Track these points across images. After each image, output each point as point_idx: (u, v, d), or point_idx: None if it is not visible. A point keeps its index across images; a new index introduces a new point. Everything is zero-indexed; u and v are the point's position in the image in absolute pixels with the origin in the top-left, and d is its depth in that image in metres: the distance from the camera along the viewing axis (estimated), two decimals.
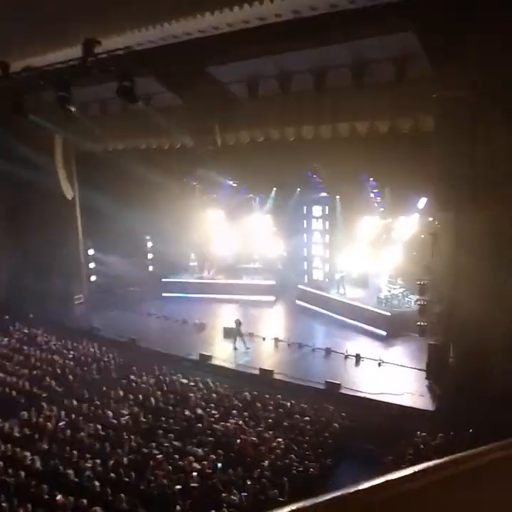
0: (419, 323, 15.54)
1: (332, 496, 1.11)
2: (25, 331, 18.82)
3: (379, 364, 15.50)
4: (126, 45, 12.18)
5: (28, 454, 10.22)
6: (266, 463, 10.09)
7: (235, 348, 16.85)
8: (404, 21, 11.41)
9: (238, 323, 17.05)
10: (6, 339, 17.92)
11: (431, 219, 15.90)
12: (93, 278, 23.47)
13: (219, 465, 10.07)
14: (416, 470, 1.22)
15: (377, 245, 20.36)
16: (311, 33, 12.14)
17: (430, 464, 1.24)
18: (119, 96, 12.46)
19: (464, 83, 12.47)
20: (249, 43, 13.52)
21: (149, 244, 24.77)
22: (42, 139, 19.84)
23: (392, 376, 14.72)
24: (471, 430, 10.82)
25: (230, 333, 17.51)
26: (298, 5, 10.18)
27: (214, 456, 10.30)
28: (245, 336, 17.13)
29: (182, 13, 10.52)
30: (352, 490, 1.13)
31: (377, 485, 1.15)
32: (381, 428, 12.37)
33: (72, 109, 13.59)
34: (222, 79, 15.56)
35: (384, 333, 17.86)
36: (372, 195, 20.10)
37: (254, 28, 11.12)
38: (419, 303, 15.64)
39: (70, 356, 16.33)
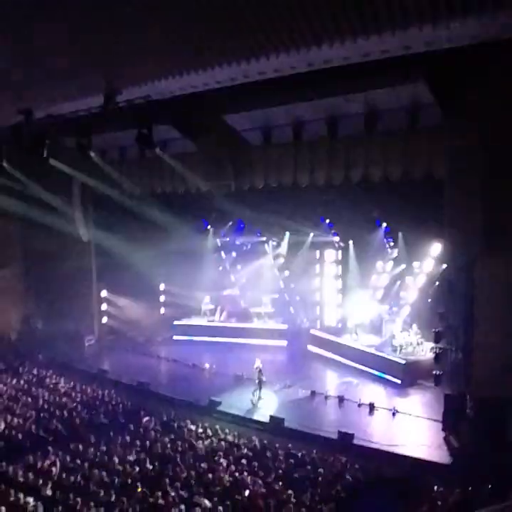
0: (434, 371, 15.16)
1: None
2: (34, 372, 18.70)
3: (393, 414, 15.05)
4: (145, 95, 12.63)
5: (31, 500, 9.94)
6: None
7: (254, 396, 16.17)
8: (417, 73, 11.73)
9: (259, 371, 16.36)
10: (15, 380, 17.79)
11: (445, 265, 15.77)
12: (104, 320, 23.47)
13: None
14: None
15: (391, 291, 20.20)
16: (324, 84, 12.51)
17: None
18: (138, 143, 12.82)
19: (475, 134, 12.69)
20: (264, 92, 13.98)
21: (162, 286, 24.83)
22: (61, 183, 20.36)
23: (407, 426, 14.27)
24: (490, 485, 10.33)
25: (240, 380, 17.22)
26: (313, 58, 10.51)
27: (221, 508, 9.92)
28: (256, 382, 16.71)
29: (201, 65, 10.91)
30: None
31: None
32: (395, 482, 11.88)
33: (92, 154, 14.00)
34: (237, 126, 15.98)
35: (398, 381, 17.43)
36: (385, 240, 20.13)
37: (269, 79, 11.48)
38: (434, 351, 15.30)
39: (78, 399, 16.11)
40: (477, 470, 11.29)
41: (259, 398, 16.20)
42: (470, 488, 10.52)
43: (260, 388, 16.20)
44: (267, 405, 15.84)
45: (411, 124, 13.58)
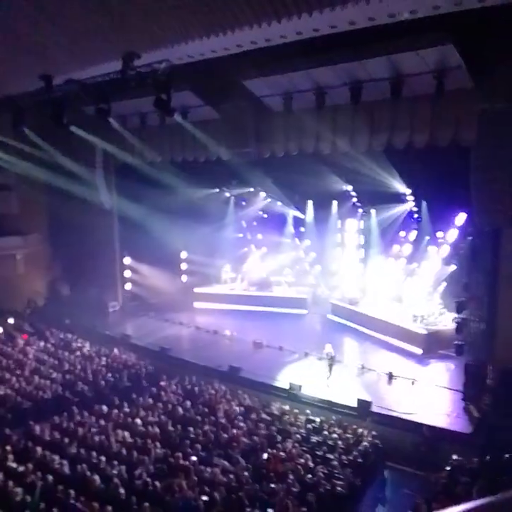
0: (456, 341, 15.06)
1: None
2: (61, 336, 19.24)
3: (412, 383, 15.06)
4: (164, 59, 12.44)
5: (57, 457, 10.35)
6: (293, 479, 9.89)
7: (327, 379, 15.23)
8: (444, 35, 11.24)
9: (330, 357, 15.47)
10: (42, 343, 18.36)
11: (469, 235, 15.45)
12: (128, 286, 23.85)
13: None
14: None
15: (414, 261, 19.96)
16: (347, 47, 12.12)
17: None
18: (156, 108, 12.70)
19: (505, 98, 12.19)
20: (285, 57, 13.61)
21: (183, 254, 25.01)
22: (83, 151, 20.45)
23: (426, 396, 14.26)
24: (508, 455, 10.34)
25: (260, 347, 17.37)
26: (336, 20, 10.14)
27: (240, 470, 10.18)
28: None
29: (221, 28, 10.65)
30: None
31: None
32: (413, 449, 11.99)
33: (112, 121, 13.90)
34: (257, 92, 15.66)
35: (420, 351, 17.39)
36: (408, 209, 19.76)
37: (291, 42, 11.15)
38: (456, 321, 15.16)
39: (103, 363, 16.57)
40: (496, 440, 11.29)
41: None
42: (488, 458, 10.55)
43: (330, 373, 15.36)
44: (286, 372, 16.01)
45: (438, 89, 13.05)
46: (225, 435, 11.63)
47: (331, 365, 15.42)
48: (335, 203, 22.00)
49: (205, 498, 9.17)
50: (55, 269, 23.97)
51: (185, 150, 18.89)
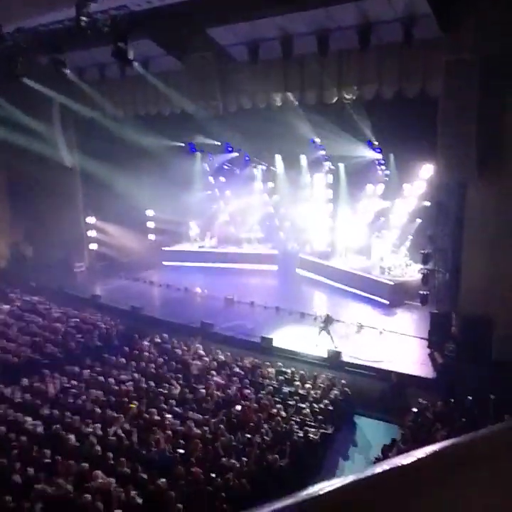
0: (421, 292, 15.47)
1: (319, 490, 0.92)
2: (27, 298, 18.84)
3: (380, 333, 15.50)
4: (121, 5, 11.77)
5: (29, 419, 10.31)
6: (266, 429, 10.17)
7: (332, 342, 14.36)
8: None
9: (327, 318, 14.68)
10: (7, 306, 17.95)
11: (436, 187, 15.62)
12: (93, 246, 23.37)
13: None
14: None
15: (381, 214, 20.15)
16: None
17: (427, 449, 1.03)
18: (115, 58, 12.10)
19: (472, 48, 12.07)
20: (250, 3, 13.06)
21: (150, 212, 24.55)
22: (40, 106, 19.45)
23: (393, 345, 14.72)
24: (470, 397, 10.86)
25: (231, 303, 17.47)
26: None
27: (215, 421, 10.39)
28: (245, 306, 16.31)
29: None
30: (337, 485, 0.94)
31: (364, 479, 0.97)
32: (381, 396, 12.44)
33: (67, 72, 13.18)
34: (221, 41, 15.06)
35: (386, 302, 17.83)
36: (376, 162, 19.76)
37: None
38: (422, 272, 15.54)
39: (72, 324, 16.36)
40: (460, 384, 11.82)
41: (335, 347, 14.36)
42: (452, 401, 11.06)
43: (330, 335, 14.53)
44: (258, 326, 16.19)
45: (406, 37, 12.82)
46: (199, 390, 11.78)
47: (326, 329, 14.54)
48: (303, 157, 21.79)
49: (181, 450, 9.35)
50: (16, 230, 23.21)
51: (148, 103, 18.22)
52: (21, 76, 13.46)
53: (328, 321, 14.62)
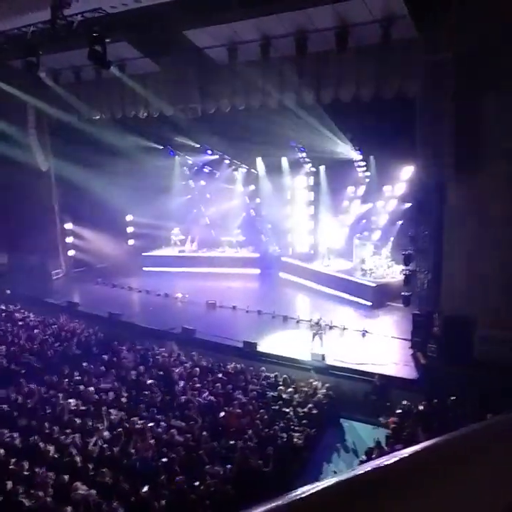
0: (403, 293, 15.49)
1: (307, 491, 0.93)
2: (2, 307, 18.35)
3: (363, 334, 15.47)
4: (96, 8, 11.55)
5: (6, 431, 9.96)
6: (250, 434, 10.00)
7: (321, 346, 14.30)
8: None
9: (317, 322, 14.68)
10: None
11: (416, 187, 15.68)
12: (71, 253, 22.93)
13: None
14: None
15: (362, 216, 20.20)
16: None
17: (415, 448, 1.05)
18: (91, 61, 11.86)
19: (449, 48, 12.15)
20: (228, 5, 12.94)
21: (129, 217, 24.21)
22: (14, 110, 19.06)
23: (376, 346, 14.70)
24: (453, 397, 10.86)
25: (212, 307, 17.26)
26: None
27: (198, 428, 10.18)
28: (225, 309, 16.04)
29: None
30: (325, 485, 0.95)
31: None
32: (365, 398, 12.38)
33: (42, 75, 12.87)
34: (199, 43, 14.91)
35: (369, 303, 17.83)
36: (356, 164, 19.79)
37: None
38: (404, 273, 15.56)
39: (49, 332, 15.97)
40: (442, 384, 11.82)
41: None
42: (435, 401, 11.05)
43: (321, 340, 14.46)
44: (240, 331, 16.02)
45: (384, 38, 12.86)
46: (181, 397, 11.56)
47: (318, 333, 14.52)
48: (284, 159, 21.73)
49: (164, 459, 9.12)
50: None
51: (125, 106, 17.94)
52: None
53: (319, 324, 14.56)
